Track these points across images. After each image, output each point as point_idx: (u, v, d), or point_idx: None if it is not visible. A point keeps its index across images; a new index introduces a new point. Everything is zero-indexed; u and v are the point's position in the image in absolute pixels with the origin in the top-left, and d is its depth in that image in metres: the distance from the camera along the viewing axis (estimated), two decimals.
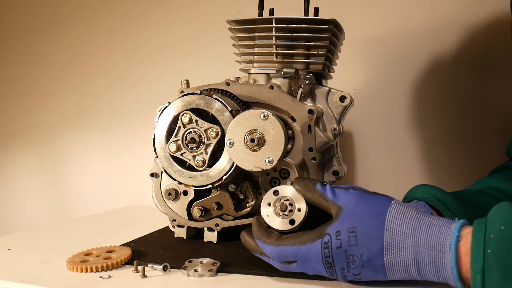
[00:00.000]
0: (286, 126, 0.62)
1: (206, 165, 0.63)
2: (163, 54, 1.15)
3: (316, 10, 0.70)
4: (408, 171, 0.95)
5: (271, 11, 0.72)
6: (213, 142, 0.62)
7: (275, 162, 0.58)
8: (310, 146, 0.63)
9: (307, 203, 0.51)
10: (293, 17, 0.65)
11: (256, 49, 0.68)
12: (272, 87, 0.64)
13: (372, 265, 0.46)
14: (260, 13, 0.70)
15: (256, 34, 0.67)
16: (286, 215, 0.51)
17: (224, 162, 0.62)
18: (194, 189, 0.66)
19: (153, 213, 0.77)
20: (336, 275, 0.47)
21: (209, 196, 0.67)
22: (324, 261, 0.47)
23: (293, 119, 0.63)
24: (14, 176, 1.36)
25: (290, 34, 0.66)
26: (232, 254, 0.62)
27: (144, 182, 0.79)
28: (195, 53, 1.11)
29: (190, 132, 0.63)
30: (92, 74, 1.24)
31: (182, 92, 0.66)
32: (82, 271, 0.55)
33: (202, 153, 0.62)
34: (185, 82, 0.69)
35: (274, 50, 0.66)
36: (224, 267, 0.56)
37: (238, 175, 0.65)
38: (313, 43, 0.66)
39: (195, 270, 0.55)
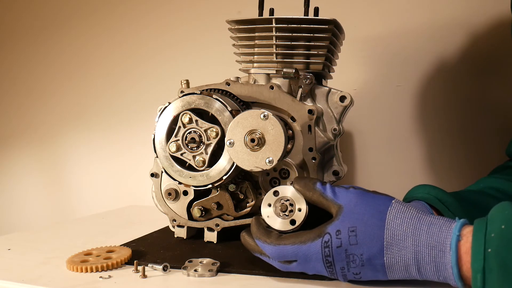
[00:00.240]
0: (286, 126, 0.62)
1: (206, 165, 0.63)
2: (163, 54, 1.15)
3: (316, 10, 0.70)
4: (408, 171, 0.95)
5: (271, 11, 0.72)
6: (213, 142, 0.62)
7: (275, 162, 0.58)
8: (310, 146, 0.63)
9: (307, 203, 0.51)
10: (293, 17, 0.65)
11: (256, 49, 0.68)
12: (272, 87, 0.64)
13: (372, 265, 0.46)
14: (260, 13, 0.70)
15: (256, 34, 0.67)
16: (286, 215, 0.51)
17: (224, 162, 0.62)
18: (194, 189, 0.66)
19: (153, 213, 0.77)
20: (336, 275, 0.47)
21: (209, 196, 0.67)
22: (324, 261, 0.47)
23: (293, 119, 0.63)
24: (14, 176, 1.36)
25: (290, 34, 0.66)
26: (232, 254, 0.62)
27: (144, 182, 0.79)
28: (195, 53, 1.11)
29: (190, 132, 0.63)
30: (92, 74, 1.24)
31: (182, 92, 0.66)
32: (82, 271, 0.55)
33: (202, 153, 0.62)
34: (185, 82, 0.69)
35: (274, 50, 0.66)
36: (224, 267, 0.56)
37: (238, 175, 0.65)
38: (313, 43, 0.66)
39: (195, 270, 0.55)
